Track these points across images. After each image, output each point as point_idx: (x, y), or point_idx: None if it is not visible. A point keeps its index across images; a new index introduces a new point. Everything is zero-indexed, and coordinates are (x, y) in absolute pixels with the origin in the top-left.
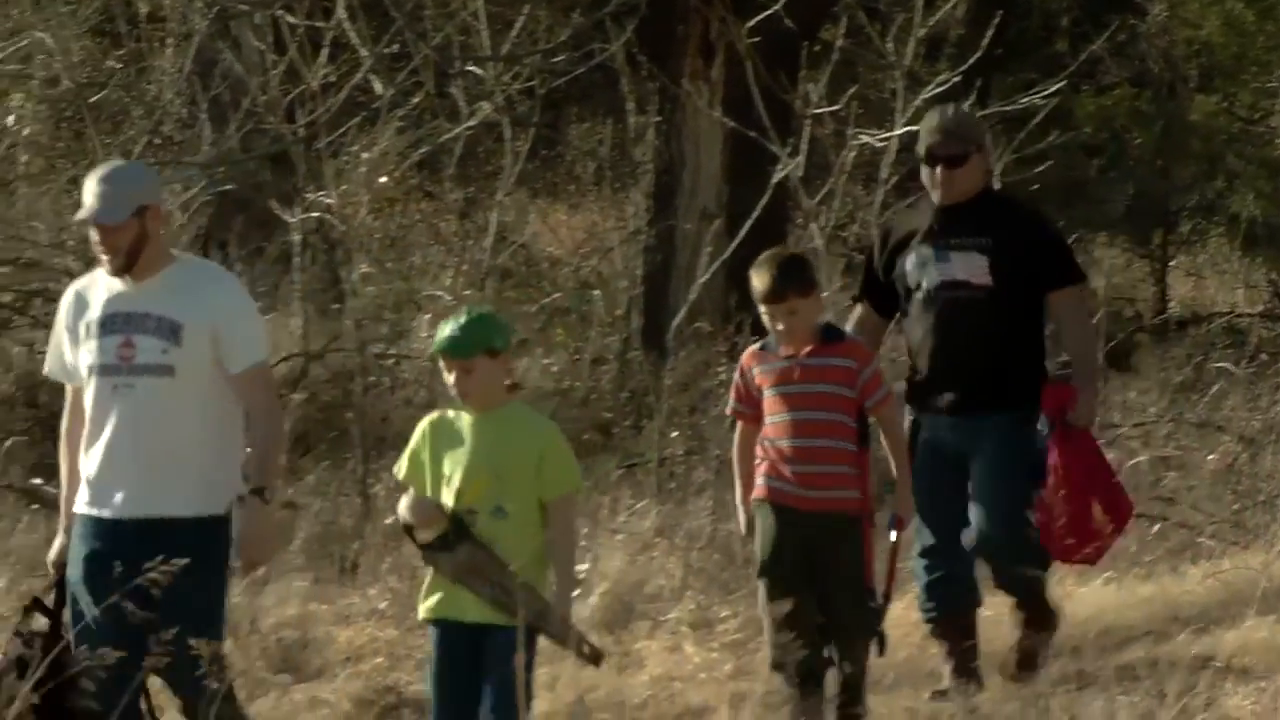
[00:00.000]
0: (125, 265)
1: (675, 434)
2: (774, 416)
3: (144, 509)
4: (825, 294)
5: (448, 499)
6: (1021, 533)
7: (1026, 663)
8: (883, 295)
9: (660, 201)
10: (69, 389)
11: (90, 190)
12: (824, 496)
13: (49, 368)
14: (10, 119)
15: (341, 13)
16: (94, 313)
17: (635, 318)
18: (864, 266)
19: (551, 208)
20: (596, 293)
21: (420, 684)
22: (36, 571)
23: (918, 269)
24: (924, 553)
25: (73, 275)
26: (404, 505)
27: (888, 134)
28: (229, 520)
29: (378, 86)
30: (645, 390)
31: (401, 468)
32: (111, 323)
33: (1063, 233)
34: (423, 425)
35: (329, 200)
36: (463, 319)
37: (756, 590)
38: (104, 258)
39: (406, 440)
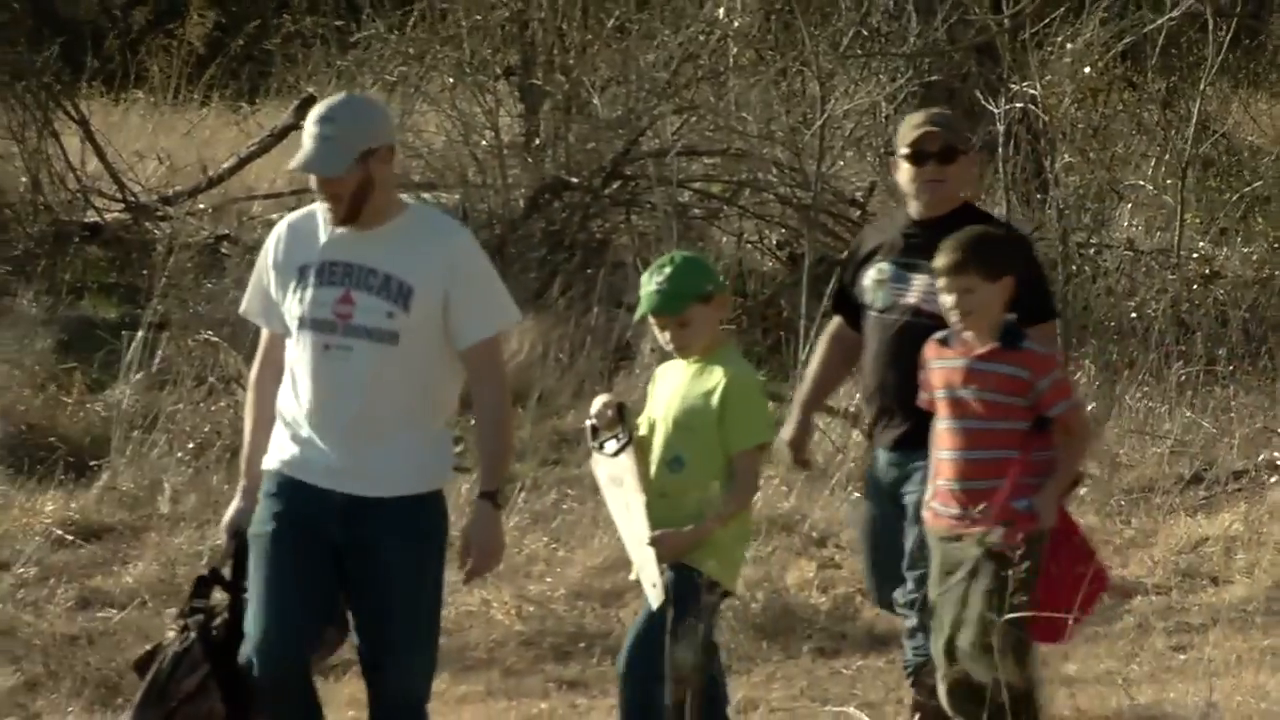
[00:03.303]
0: (349, 216)
1: None
2: (938, 421)
3: (349, 486)
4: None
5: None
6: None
7: None
8: (851, 307)
9: None
10: (264, 334)
11: (309, 132)
12: (985, 514)
13: (246, 307)
14: (720, 11)
15: None
16: (310, 256)
17: None
18: (837, 277)
19: (1253, 97)
20: None
21: (1122, 568)
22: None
23: (873, 286)
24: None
25: (780, 167)
26: (595, 402)
27: None
28: (441, 495)
29: None
30: None
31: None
32: (330, 272)
33: (1039, 261)
34: (655, 373)
35: (1033, 91)
36: (667, 270)
37: None
38: (325, 206)
39: (1109, 330)
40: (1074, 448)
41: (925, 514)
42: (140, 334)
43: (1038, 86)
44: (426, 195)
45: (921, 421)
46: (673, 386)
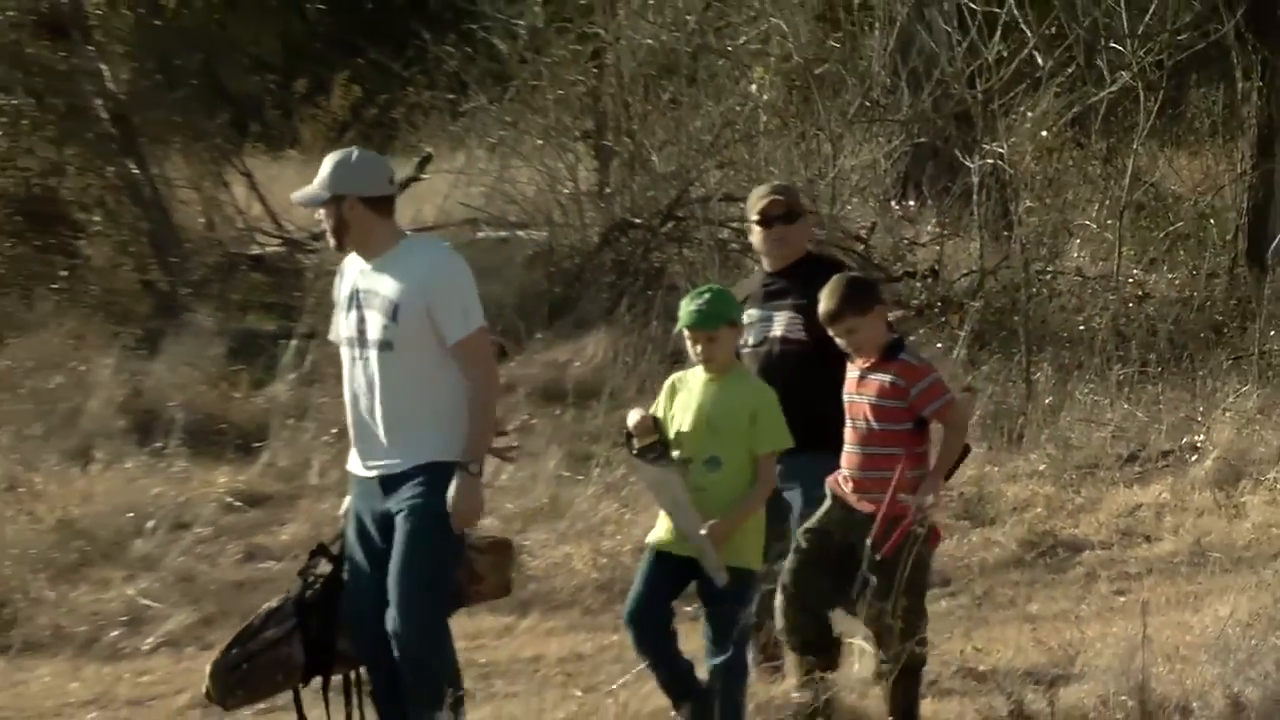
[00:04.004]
0: (336, 243)
1: (1273, 333)
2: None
3: (378, 469)
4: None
5: (676, 448)
6: None
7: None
8: None
9: (1262, 150)
10: None
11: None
12: (872, 498)
13: (332, 334)
14: (753, 87)
15: (1012, 0)
16: (345, 289)
17: (1241, 241)
18: None
19: (1175, 154)
20: (1210, 221)
21: (1073, 528)
22: None
23: (747, 329)
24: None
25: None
26: (630, 415)
27: None
28: (447, 468)
29: (1039, 59)
30: (1249, 298)
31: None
32: (354, 298)
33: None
34: (668, 382)
35: (1000, 150)
36: (706, 295)
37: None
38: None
39: (1062, 339)
40: (951, 437)
41: (829, 480)
42: (293, 343)
43: (1004, 146)
44: (520, 233)
45: (797, 430)
46: (696, 397)
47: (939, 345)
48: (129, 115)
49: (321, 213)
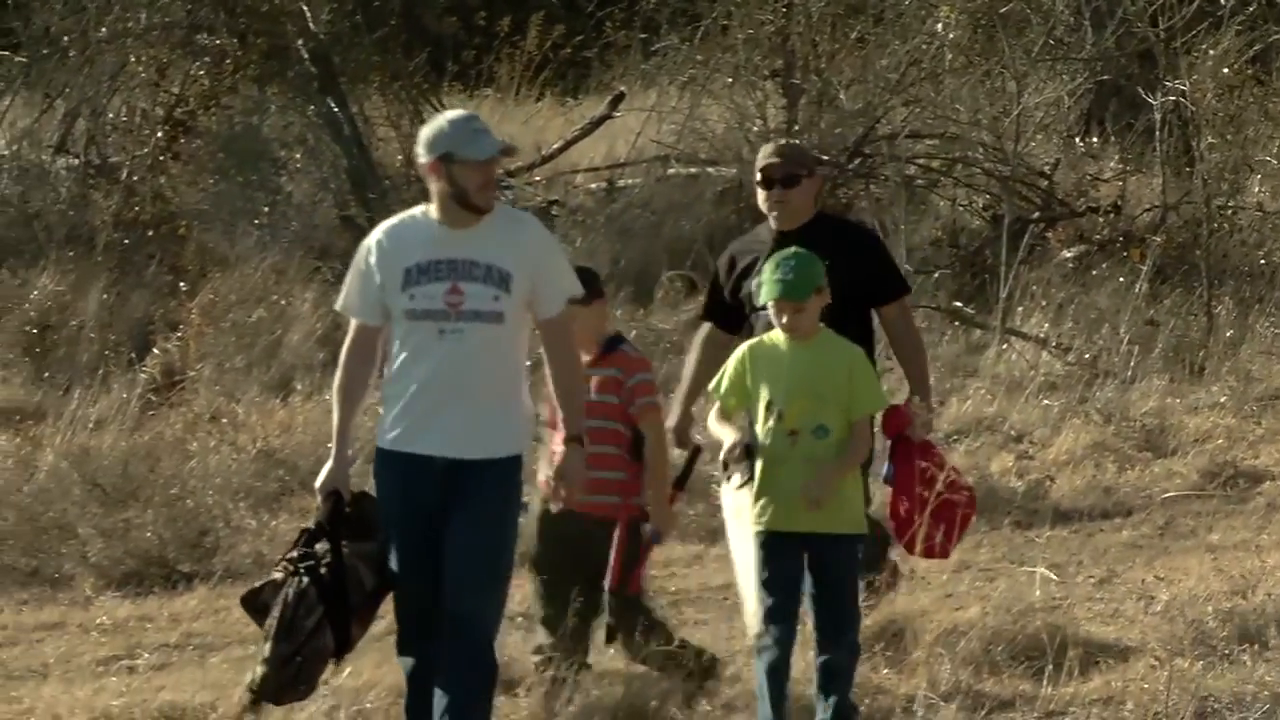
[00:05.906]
0: (487, 206)
1: None
2: None
3: (456, 451)
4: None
5: (770, 421)
6: None
7: None
8: (726, 313)
9: None
10: (354, 324)
11: (471, 128)
12: (586, 501)
13: (343, 304)
14: (939, 26)
15: None
16: (411, 258)
17: None
18: (709, 289)
19: None
20: None
21: (1254, 459)
22: (956, 373)
23: (759, 290)
24: None
25: (985, 147)
26: (725, 441)
27: None
28: (522, 460)
29: None
30: None
31: (722, 387)
32: (436, 269)
33: (888, 248)
34: (742, 351)
35: (1183, 87)
36: (792, 263)
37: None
38: (482, 195)
39: (1243, 274)
40: (655, 446)
41: (540, 482)
42: None
43: (1186, 84)
44: (710, 169)
45: None
46: (788, 365)
47: (1121, 280)
48: (329, 55)
49: (483, 172)
